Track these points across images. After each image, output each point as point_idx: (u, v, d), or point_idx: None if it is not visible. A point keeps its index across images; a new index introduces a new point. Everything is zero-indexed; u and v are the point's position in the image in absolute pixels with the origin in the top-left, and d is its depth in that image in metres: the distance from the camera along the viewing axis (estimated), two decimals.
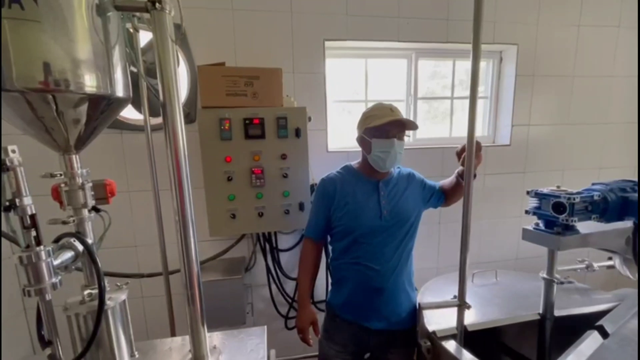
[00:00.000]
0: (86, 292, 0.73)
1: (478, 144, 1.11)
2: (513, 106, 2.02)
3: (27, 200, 0.57)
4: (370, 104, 1.28)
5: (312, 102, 1.73)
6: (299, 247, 1.82)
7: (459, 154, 1.17)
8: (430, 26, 1.83)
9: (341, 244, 1.26)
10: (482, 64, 2.06)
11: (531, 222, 1.09)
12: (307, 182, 1.58)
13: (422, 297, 1.27)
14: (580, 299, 1.22)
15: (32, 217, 0.57)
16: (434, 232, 2.04)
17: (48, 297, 0.60)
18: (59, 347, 0.65)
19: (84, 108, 0.65)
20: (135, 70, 0.90)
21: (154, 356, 0.88)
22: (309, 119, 1.56)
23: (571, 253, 1.06)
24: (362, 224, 1.20)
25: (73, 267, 0.69)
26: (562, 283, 1.10)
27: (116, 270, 1.58)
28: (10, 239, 0.58)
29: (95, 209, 0.75)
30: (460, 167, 1.22)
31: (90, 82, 0.63)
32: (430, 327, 1.07)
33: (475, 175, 0.98)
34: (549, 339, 1.13)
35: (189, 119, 1.62)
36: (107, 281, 0.71)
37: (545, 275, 1.08)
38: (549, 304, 1.11)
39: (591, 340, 0.92)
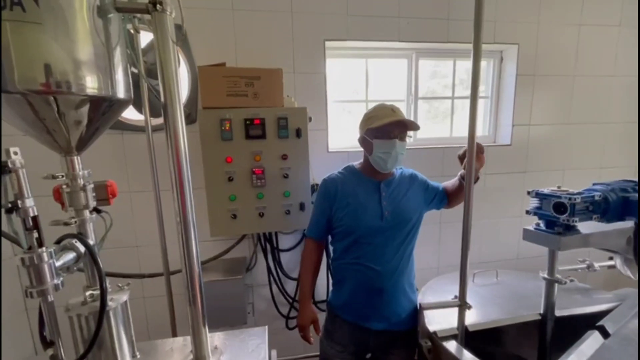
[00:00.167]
0: (88, 292, 0.73)
1: (480, 146, 1.11)
2: (514, 106, 2.02)
3: (29, 202, 0.57)
4: (370, 104, 1.28)
5: (313, 102, 1.73)
6: (300, 247, 1.83)
7: (461, 157, 1.17)
8: (430, 26, 1.82)
9: (342, 244, 1.26)
10: (483, 64, 2.04)
11: (532, 222, 1.09)
12: (307, 182, 1.58)
13: (423, 297, 1.27)
14: (581, 299, 1.22)
15: (34, 219, 0.57)
16: (434, 232, 2.03)
17: (50, 298, 0.60)
18: (61, 348, 0.66)
19: (85, 109, 0.65)
20: (136, 71, 0.90)
21: (156, 357, 0.88)
22: (310, 119, 1.56)
23: (572, 253, 1.05)
24: (363, 224, 1.20)
25: (75, 268, 0.69)
26: (564, 283, 1.10)
27: (118, 271, 1.59)
28: (12, 241, 0.58)
29: (96, 210, 0.75)
30: (463, 170, 1.22)
31: (91, 84, 0.63)
32: (431, 327, 1.07)
33: (478, 178, 0.97)
34: (550, 339, 1.13)
35: (190, 119, 1.63)
36: (108, 282, 0.72)
37: (546, 276, 1.08)
38: (549, 304, 1.11)
39: (592, 340, 0.92)
